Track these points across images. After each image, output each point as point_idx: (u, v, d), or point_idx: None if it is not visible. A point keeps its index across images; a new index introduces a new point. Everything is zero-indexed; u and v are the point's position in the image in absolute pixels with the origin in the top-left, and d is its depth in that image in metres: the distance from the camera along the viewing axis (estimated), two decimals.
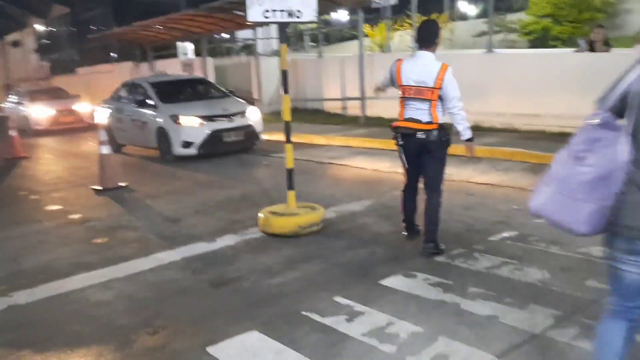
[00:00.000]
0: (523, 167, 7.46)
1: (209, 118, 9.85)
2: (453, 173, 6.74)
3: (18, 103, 17.83)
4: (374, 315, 3.46)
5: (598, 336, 2.30)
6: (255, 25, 15.38)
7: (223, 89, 11.87)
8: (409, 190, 4.82)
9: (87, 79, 23.77)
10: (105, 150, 7.89)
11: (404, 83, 4.44)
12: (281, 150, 10.30)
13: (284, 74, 5.26)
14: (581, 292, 3.58)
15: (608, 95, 2.13)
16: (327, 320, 3.44)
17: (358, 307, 3.60)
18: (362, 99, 12.84)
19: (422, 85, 4.36)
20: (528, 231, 4.87)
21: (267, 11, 4.97)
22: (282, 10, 5.03)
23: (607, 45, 8.54)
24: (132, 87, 11.40)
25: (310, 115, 14.95)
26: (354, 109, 13.51)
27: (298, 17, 5.14)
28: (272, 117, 15.31)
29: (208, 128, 9.74)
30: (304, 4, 5.12)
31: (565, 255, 4.26)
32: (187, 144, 9.72)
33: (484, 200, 6.06)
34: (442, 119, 4.44)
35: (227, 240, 5.20)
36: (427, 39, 4.45)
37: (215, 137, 9.78)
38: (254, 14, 4.94)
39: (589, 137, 2.02)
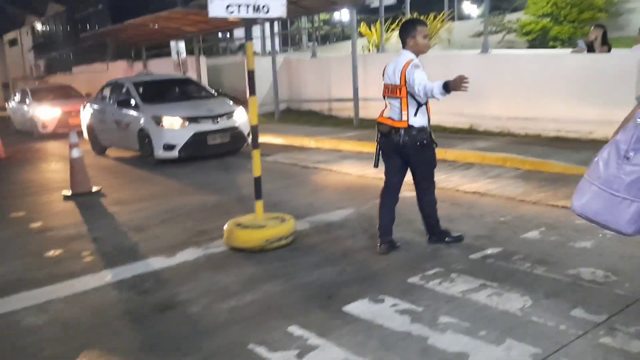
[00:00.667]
0: (515, 174, 7.01)
1: (192, 119, 9.45)
2: (441, 180, 6.28)
3: (23, 103, 16.53)
4: (329, 351, 3.04)
5: None
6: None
7: (210, 89, 11.48)
8: (387, 194, 4.62)
9: (83, 77, 23.46)
10: (76, 153, 7.49)
11: (384, 82, 4.49)
12: (270, 153, 10.00)
13: (250, 75, 4.84)
14: (565, 325, 3.14)
15: None
16: (276, 356, 3.02)
17: (313, 339, 3.18)
18: (355, 100, 12.39)
19: (393, 83, 4.36)
20: (513, 248, 4.44)
21: (230, 6, 4.56)
22: (247, 5, 4.62)
23: (606, 45, 8.09)
24: (115, 86, 11.00)
25: (303, 116, 14.56)
26: (348, 110, 13.08)
27: (266, 12, 4.73)
28: (264, 118, 14.90)
29: (191, 130, 9.34)
30: None
31: (552, 278, 3.82)
32: (168, 147, 9.32)
33: (469, 211, 5.62)
34: (416, 119, 4.32)
35: (187, 255, 4.80)
36: (401, 38, 4.45)
37: (198, 140, 9.38)
38: (215, 9, 4.52)
39: (637, 136, 1.90)
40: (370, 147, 9.68)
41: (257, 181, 4.97)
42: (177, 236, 5.36)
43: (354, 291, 3.81)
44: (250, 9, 4.66)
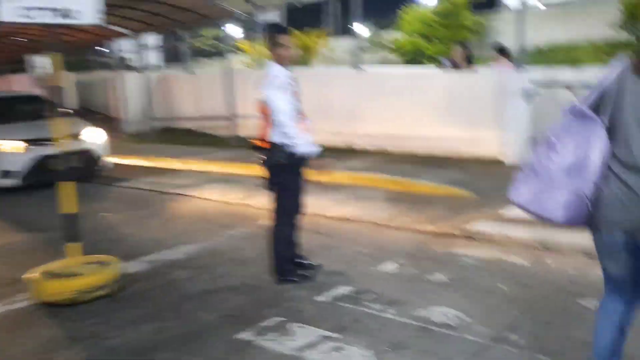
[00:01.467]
0: (384, 196, 6.67)
1: (35, 142, 8.29)
2: (306, 204, 5.80)
3: None
4: None
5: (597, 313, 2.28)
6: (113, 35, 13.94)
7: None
8: None
9: None
10: None
11: None
12: (129, 177, 9.06)
13: (57, 91, 4.07)
14: None
15: (590, 93, 2.08)
16: None
17: None
18: (231, 118, 11.74)
19: (260, 98, 4.03)
20: (366, 285, 3.98)
21: (28, 9, 3.77)
22: (52, 9, 3.85)
23: (469, 62, 8.12)
24: None
25: (178, 135, 13.63)
26: (223, 128, 12.39)
27: (75, 18, 3.99)
28: (134, 139, 13.83)
29: (32, 154, 8.20)
30: (82, 3, 3.98)
31: (400, 322, 3.37)
32: (6, 173, 8.13)
33: (330, 240, 5.15)
34: (275, 137, 3.91)
35: None
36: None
37: (41, 165, 8.23)
38: (6, 13, 3.70)
39: (563, 126, 1.99)
40: (240, 169, 9.10)
41: (69, 219, 4.17)
42: None
43: (167, 356, 3.13)
44: (59, 14, 3.91)
